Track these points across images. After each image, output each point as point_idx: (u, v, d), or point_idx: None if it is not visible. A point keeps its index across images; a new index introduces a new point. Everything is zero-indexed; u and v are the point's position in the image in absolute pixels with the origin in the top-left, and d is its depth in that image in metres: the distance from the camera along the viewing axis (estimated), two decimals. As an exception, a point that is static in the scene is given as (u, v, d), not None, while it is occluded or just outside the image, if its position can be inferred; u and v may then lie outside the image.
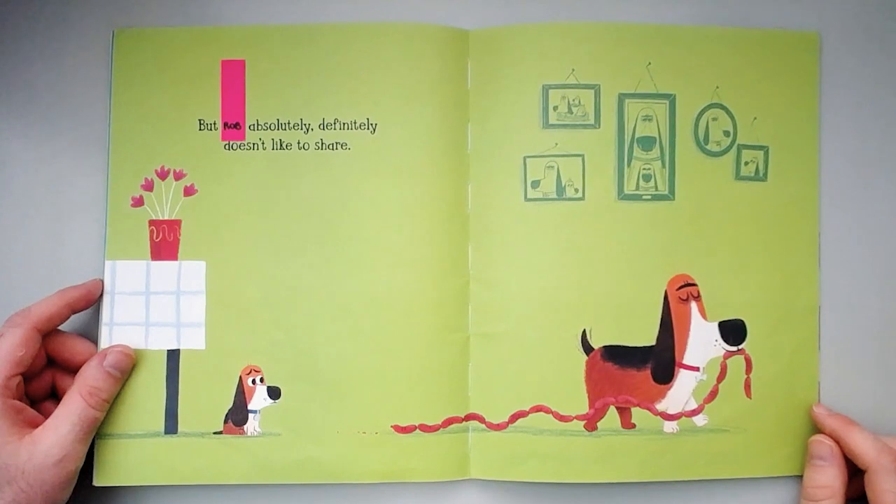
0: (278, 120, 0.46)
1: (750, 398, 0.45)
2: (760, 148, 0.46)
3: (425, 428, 0.44)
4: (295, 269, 0.45)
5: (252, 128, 0.46)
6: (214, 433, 0.44)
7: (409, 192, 0.45)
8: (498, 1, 0.47)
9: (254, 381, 0.45)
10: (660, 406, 0.45)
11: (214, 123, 0.46)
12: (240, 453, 0.44)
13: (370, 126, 0.45)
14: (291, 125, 0.46)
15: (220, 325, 0.45)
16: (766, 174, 0.46)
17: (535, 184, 0.45)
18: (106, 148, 0.46)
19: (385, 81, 0.45)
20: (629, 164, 0.45)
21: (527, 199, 0.45)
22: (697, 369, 0.45)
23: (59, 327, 0.43)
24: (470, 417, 0.45)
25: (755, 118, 0.46)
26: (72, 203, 0.47)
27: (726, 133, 0.46)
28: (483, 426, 0.45)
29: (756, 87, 0.46)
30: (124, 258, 0.45)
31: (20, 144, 0.47)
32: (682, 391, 0.45)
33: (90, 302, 0.44)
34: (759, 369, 0.45)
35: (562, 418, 0.44)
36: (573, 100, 0.45)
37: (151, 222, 0.45)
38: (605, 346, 0.45)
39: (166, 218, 0.45)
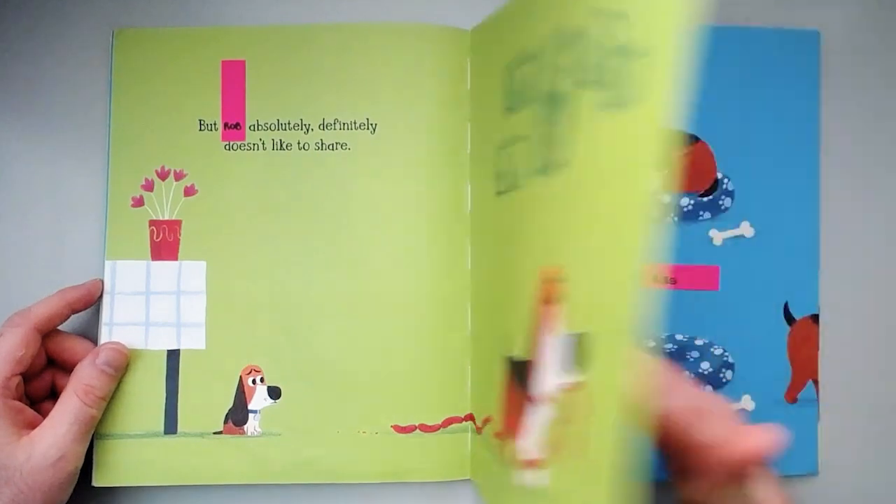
0: (278, 120, 0.46)
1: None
2: (760, 148, 0.46)
3: (425, 428, 0.44)
4: (295, 269, 0.45)
5: (252, 128, 0.46)
6: (214, 433, 0.44)
7: (409, 192, 0.45)
8: (498, 1, 0.47)
9: (254, 381, 0.45)
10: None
11: (215, 124, 0.46)
12: (240, 453, 0.44)
13: (370, 126, 0.45)
14: (291, 125, 0.46)
15: (220, 325, 0.45)
16: (766, 174, 0.46)
17: (536, 184, 0.45)
18: (106, 148, 0.46)
19: (385, 81, 0.45)
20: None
21: (527, 199, 0.45)
22: None
23: (59, 327, 0.43)
24: (470, 417, 0.45)
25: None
26: (72, 203, 0.47)
27: (726, 133, 0.46)
28: (483, 426, 0.45)
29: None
30: (124, 258, 0.45)
31: (20, 144, 0.47)
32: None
33: (90, 302, 0.44)
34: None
35: (562, 418, 0.44)
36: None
37: (151, 222, 0.45)
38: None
39: (166, 218, 0.45)
